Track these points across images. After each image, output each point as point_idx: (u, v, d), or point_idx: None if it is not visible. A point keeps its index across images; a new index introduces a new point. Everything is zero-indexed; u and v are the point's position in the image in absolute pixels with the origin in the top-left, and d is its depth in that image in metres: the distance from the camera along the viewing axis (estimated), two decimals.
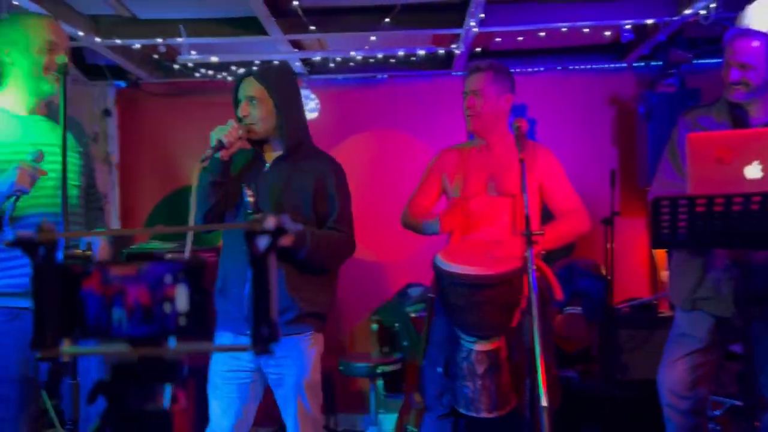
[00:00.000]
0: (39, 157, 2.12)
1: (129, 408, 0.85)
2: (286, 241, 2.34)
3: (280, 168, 2.43)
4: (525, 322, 2.54)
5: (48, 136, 2.32)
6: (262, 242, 0.82)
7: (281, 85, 2.42)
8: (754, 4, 2.49)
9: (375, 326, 4.26)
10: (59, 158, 2.13)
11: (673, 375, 2.60)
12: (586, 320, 4.18)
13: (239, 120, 2.43)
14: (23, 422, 2.20)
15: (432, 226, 2.72)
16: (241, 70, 4.41)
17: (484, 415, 2.59)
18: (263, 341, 0.83)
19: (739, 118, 2.50)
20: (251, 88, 2.41)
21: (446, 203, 2.91)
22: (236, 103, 2.47)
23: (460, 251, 2.65)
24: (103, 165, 4.69)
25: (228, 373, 2.47)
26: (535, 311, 2.04)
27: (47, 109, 2.38)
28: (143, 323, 0.85)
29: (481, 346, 2.56)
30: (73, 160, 2.37)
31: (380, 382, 4.09)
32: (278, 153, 2.47)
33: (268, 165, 2.47)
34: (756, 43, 2.42)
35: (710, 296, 2.51)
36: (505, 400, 2.59)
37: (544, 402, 1.88)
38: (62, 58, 2.24)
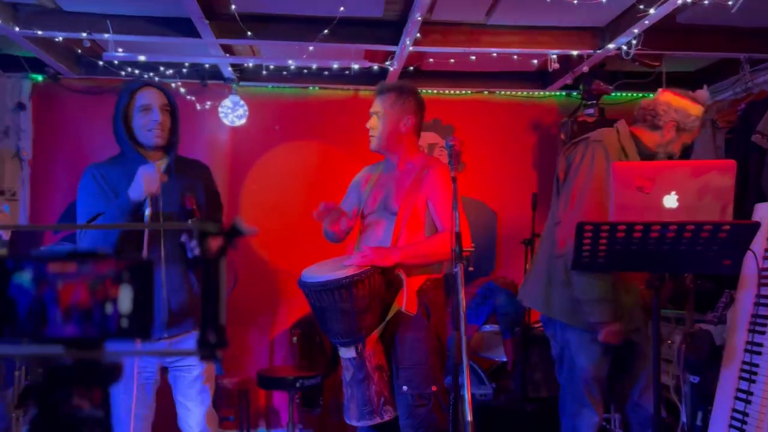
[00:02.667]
0: None
1: (62, 414, 0.80)
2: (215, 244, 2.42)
3: (174, 176, 2.59)
4: (405, 334, 2.66)
5: None
6: (216, 244, 0.80)
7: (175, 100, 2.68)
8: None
9: (295, 339, 4.21)
10: None
11: (589, 419, 2.71)
12: (502, 338, 4.28)
13: (147, 125, 2.56)
14: None
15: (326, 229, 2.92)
16: (170, 72, 4.31)
17: (354, 422, 2.66)
18: (210, 347, 0.81)
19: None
20: (162, 98, 2.59)
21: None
22: (126, 107, 2.56)
23: (321, 264, 2.76)
24: (14, 160, 4.44)
25: (139, 375, 2.55)
26: (462, 328, 2.06)
27: None
28: (81, 324, 0.81)
29: (343, 353, 2.66)
30: None
31: (299, 396, 4.04)
32: (164, 161, 2.62)
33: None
34: None
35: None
36: (373, 411, 2.62)
37: (468, 417, 1.90)
38: None
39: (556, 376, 2.87)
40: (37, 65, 4.30)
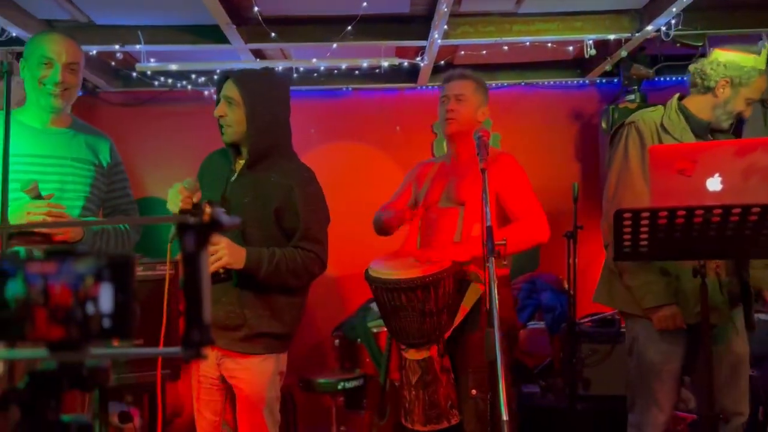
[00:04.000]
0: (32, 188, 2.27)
1: (46, 419, 0.77)
2: (237, 266, 2.24)
3: (245, 179, 2.39)
4: (474, 335, 2.55)
5: (56, 148, 2.42)
6: (194, 237, 0.76)
7: (256, 92, 2.35)
8: None
9: (337, 341, 4.18)
10: (68, 170, 2.40)
11: (655, 418, 2.56)
12: (548, 335, 4.16)
13: (219, 122, 2.42)
14: None
15: (385, 213, 2.78)
16: (202, 79, 4.35)
17: (418, 428, 2.54)
18: (194, 345, 0.76)
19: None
20: (230, 89, 2.37)
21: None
22: (218, 101, 2.43)
23: (390, 259, 2.66)
24: None
25: (201, 377, 2.49)
26: (496, 324, 1.98)
27: (69, 121, 2.51)
28: (64, 325, 0.78)
29: (411, 354, 2.53)
30: (83, 172, 2.46)
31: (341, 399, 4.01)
32: (243, 163, 2.42)
33: (234, 175, 2.43)
34: None
35: (679, 303, 2.50)
36: (441, 414, 2.52)
37: (504, 416, 1.82)
38: (54, 74, 2.35)
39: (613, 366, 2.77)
40: None
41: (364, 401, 4.02)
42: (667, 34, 3.62)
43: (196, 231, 0.76)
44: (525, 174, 2.75)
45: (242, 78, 2.36)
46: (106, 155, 2.59)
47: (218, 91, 2.43)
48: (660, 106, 2.68)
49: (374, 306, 4.40)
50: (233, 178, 2.42)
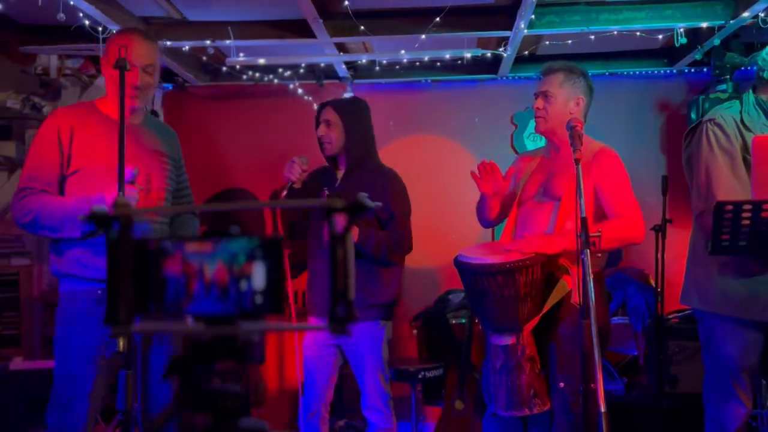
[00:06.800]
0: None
1: (203, 388, 0.83)
2: (353, 238, 2.61)
3: (348, 183, 3.03)
4: (563, 328, 2.57)
5: (138, 142, 2.51)
6: (341, 219, 0.80)
7: (350, 112, 3.05)
8: None
9: (416, 331, 4.22)
10: (152, 162, 2.52)
11: (735, 410, 2.53)
12: (633, 331, 4.08)
13: (318, 139, 3.08)
14: (92, 400, 2.36)
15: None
16: (288, 73, 4.45)
17: (500, 411, 2.61)
18: (340, 321, 0.81)
19: None
20: (329, 113, 3.04)
21: None
22: (317, 125, 3.10)
23: (481, 247, 2.77)
24: None
25: (314, 346, 3.08)
26: (593, 316, 1.97)
27: (143, 116, 2.62)
28: (219, 301, 0.84)
29: (495, 340, 2.59)
30: (163, 165, 2.59)
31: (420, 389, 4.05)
32: (344, 170, 3.08)
33: (338, 181, 3.09)
34: None
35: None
36: (522, 402, 2.54)
37: (602, 407, 1.82)
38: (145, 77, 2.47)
39: (702, 363, 2.71)
40: (166, 75, 4.56)
41: (443, 392, 4.04)
42: (765, 21, 3.48)
43: (344, 213, 0.80)
44: (625, 170, 2.71)
45: (338, 104, 3.09)
46: (177, 148, 2.74)
47: (318, 118, 3.09)
48: (735, 101, 2.61)
49: (452, 297, 4.42)
50: (337, 184, 3.07)
